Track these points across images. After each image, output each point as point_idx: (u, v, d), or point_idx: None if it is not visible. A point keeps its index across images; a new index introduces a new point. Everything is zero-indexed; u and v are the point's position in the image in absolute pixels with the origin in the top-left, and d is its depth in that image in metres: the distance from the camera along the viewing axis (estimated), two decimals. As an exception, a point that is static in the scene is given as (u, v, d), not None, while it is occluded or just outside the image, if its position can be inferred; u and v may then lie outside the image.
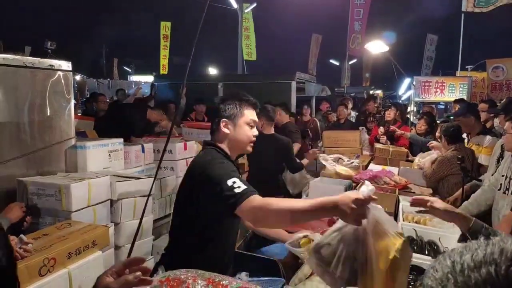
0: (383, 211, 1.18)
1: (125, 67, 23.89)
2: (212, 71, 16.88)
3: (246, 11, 11.09)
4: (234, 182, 1.32)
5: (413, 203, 1.26)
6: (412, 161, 3.96)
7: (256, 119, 1.61)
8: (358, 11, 9.50)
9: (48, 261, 1.61)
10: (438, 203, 1.24)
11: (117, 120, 4.23)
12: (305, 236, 1.66)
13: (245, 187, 1.31)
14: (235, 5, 10.75)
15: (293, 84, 6.25)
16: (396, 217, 2.41)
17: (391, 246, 1.09)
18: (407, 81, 13.96)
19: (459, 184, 2.89)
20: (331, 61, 21.31)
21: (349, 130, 5.15)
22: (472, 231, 1.16)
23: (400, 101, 15.83)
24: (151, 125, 4.36)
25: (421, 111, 7.70)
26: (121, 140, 2.92)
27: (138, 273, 0.85)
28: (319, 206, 1.17)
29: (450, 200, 2.91)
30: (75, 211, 2.11)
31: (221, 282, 1.05)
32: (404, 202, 2.57)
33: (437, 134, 3.90)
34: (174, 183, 3.46)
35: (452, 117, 4.61)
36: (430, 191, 3.17)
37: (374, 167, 3.82)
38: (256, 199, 1.28)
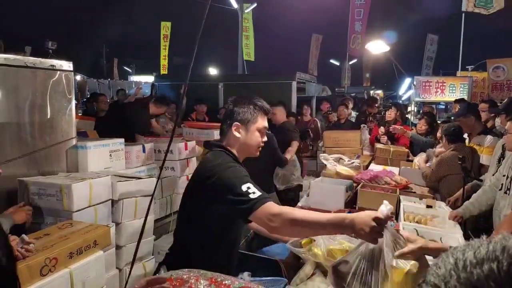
0: (394, 229, 1.24)
1: (125, 67, 23.90)
2: (213, 71, 16.89)
3: (246, 11, 11.10)
4: (248, 188, 1.32)
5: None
6: (412, 161, 3.96)
7: (267, 126, 1.61)
8: (358, 11, 9.49)
9: (49, 261, 1.61)
10: (412, 246, 1.20)
11: (119, 119, 4.18)
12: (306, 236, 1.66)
13: (259, 193, 1.31)
14: (235, 5, 10.76)
15: (294, 84, 6.24)
16: (397, 217, 2.42)
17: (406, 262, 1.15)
18: (407, 81, 13.96)
19: (459, 184, 2.88)
20: (332, 61, 21.31)
21: (349, 130, 5.14)
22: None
23: (401, 101, 15.83)
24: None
25: (421, 111, 7.70)
26: (122, 140, 2.92)
27: None
28: (337, 222, 1.20)
29: (451, 200, 2.90)
30: (76, 211, 2.12)
31: (224, 282, 1.05)
32: (405, 202, 2.57)
33: (438, 134, 3.90)
34: (175, 183, 3.46)
35: (452, 118, 4.61)
36: (431, 191, 3.17)
37: (374, 167, 3.82)
38: (273, 206, 1.29)
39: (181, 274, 1.09)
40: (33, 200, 2.17)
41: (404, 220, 2.22)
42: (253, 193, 1.30)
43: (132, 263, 1.86)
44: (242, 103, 1.56)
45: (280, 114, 4.20)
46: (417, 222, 2.23)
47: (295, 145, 4.00)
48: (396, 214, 2.47)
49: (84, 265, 1.79)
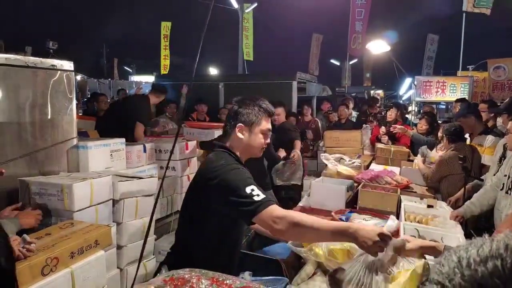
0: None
1: (125, 67, 23.91)
2: (213, 71, 16.90)
3: (246, 11, 11.10)
4: (252, 190, 1.32)
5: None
6: (413, 161, 3.96)
7: (270, 128, 1.60)
8: (359, 11, 9.48)
9: (51, 260, 1.61)
10: (408, 246, 1.22)
11: (119, 111, 4.08)
12: None
13: (263, 195, 1.32)
14: (235, 5, 10.75)
15: (294, 84, 6.24)
16: (398, 217, 2.41)
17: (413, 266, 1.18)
18: (408, 81, 13.94)
19: (460, 184, 2.88)
20: (332, 61, 21.31)
21: (350, 130, 5.14)
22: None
23: (401, 101, 15.82)
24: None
25: (421, 110, 7.70)
26: (123, 140, 2.92)
27: None
28: (341, 230, 1.22)
29: (452, 200, 2.90)
30: (77, 211, 2.12)
31: (225, 282, 1.05)
32: (406, 202, 2.57)
33: (439, 134, 3.90)
34: (176, 183, 3.46)
35: (453, 118, 4.61)
36: (432, 191, 3.17)
37: (375, 167, 3.82)
38: (278, 209, 1.30)
39: (182, 274, 1.09)
40: (34, 200, 2.17)
41: (405, 220, 2.22)
42: (257, 195, 1.31)
43: (139, 262, 1.87)
44: (247, 104, 1.54)
45: (282, 115, 4.21)
46: (418, 222, 2.23)
47: (298, 144, 4.04)
48: (397, 214, 2.47)
49: (85, 264, 1.79)
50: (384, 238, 1.17)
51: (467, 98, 6.21)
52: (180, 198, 3.50)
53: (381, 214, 2.41)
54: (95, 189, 2.23)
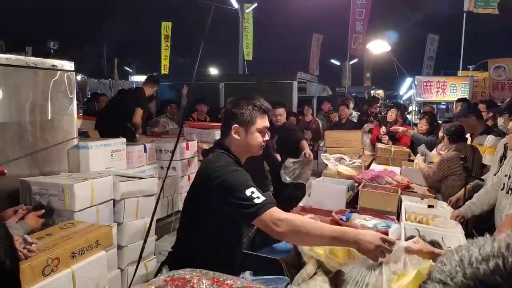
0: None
1: (126, 67, 23.92)
2: (213, 71, 16.89)
3: (247, 11, 11.09)
4: (252, 192, 1.33)
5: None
6: (413, 161, 3.96)
7: (268, 125, 1.59)
8: (360, 11, 9.47)
9: (51, 261, 1.61)
10: (414, 247, 1.23)
11: (117, 104, 4.27)
12: None
13: (264, 198, 1.32)
14: (236, 5, 10.75)
15: (295, 84, 6.24)
16: (398, 217, 2.41)
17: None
18: (408, 80, 13.93)
19: (461, 184, 2.88)
20: (332, 61, 21.30)
21: (351, 130, 5.14)
22: None
23: (401, 101, 15.81)
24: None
25: (421, 110, 7.70)
26: (123, 140, 2.93)
27: None
28: (342, 235, 1.25)
29: (452, 200, 2.90)
30: (78, 211, 2.12)
31: (226, 282, 1.05)
32: (407, 202, 2.56)
33: (440, 134, 3.89)
34: (176, 183, 3.47)
35: (453, 118, 4.61)
36: (433, 190, 3.16)
37: (376, 167, 3.81)
38: (278, 212, 1.31)
39: (183, 274, 1.09)
40: (35, 200, 2.17)
41: (406, 220, 2.22)
42: (257, 197, 1.31)
43: (138, 262, 1.87)
44: (240, 104, 1.53)
45: (283, 115, 4.20)
46: (418, 222, 2.22)
47: (305, 143, 4.02)
48: (397, 214, 2.47)
49: (86, 265, 1.79)
50: (388, 244, 1.18)
51: (467, 98, 6.20)
52: (181, 198, 3.50)
53: (382, 214, 2.41)
54: (96, 189, 2.23)
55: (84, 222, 2.02)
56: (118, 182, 2.39)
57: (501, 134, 3.38)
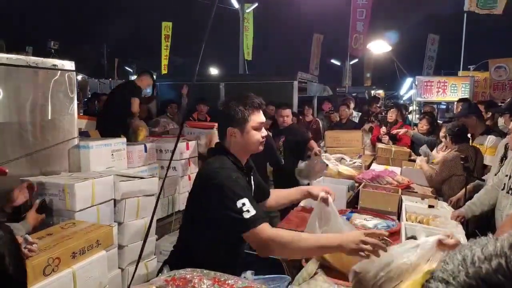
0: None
1: (126, 67, 23.91)
2: (214, 71, 16.89)
3: (247, 11, 11.09)
4: (243, 204, 1.33)
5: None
6: (414, 161, 3.95)
7: (263, 120, 1.57)
8: (360, 11, 9.47)
9: (52, 260, 1.61)
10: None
11: (116, 98, 4.48)
12: None
13: (254, 212, 1.33)
14: (236, 5, 10.75)
15: (295, 84, 6.24)
16: (399, 217, 2.41)
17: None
18: (408, 81, 13.92)
19: (462, 184, 2.88)
20: (332, 61, 21.29)
21: (351, 130, 5.14)
22: None
23: (401, 101, 15.80)
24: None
25: (422, 110, 7.70)
26: (124, 140, 2.93)
27: None
28: (326, 244, 1.32)
29: (453, 200, 2.90)
30: (78, 211, 2.12)
31: (227, 282, 1.05)
32: (407, 202, 2.56)
33: (441, 134, 3.88)
34: (177, 183, 3.46)
35: (453, 118, 4.61)
36: (433, 191, 3.16)
37: (376, 167, 3.81)
38: (267, 230, 1.32)
39: (184, 274, 1.09)
40: (36, 200, 2.17)
41: (406, 220, 2.22)
42: (247, 211, 1.32)
43: (138, 262, 1.87)
44: (231, 106, 1.52)
45: (290, 116, 4.13)
46: (419, 222, 2.23)
47: (313, 143, 4.03)
48: (398, 214, 2.47)
49: (86, 265, 1.79)
50: (372, 236, 1.25)
51: (468, 98, 6.20)
52: (181, 198, 3.50)
53: (382, 214, 2.41)
54: (97, 189, 2.23)
55: (84, 222, 2.02)
56: (118, 182, 2.39)
57: (501, 134, 3.38)
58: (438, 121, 5.97)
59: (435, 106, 7.88)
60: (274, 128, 4.26)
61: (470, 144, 3.43)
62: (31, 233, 1.79)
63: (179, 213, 3.47)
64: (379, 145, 4.60)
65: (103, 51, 22.65)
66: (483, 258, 0.47)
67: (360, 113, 7.12)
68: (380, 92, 17.89)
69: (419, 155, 3.94)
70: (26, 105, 2.33)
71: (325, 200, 1.63)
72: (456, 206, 2.75)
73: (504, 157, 2.63)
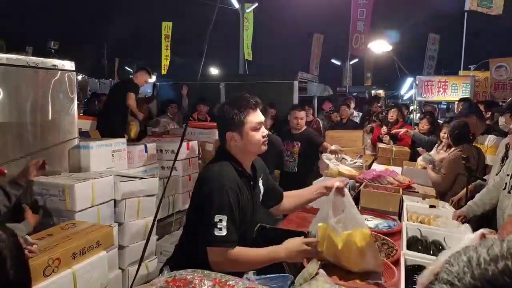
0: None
1: (126, 67, 23.90)
2: (214, 71, 16.90)
3: (247, 11, 11.08)
4: (220, 221, 1.35)
5: None
6: (415, 160, 3.95)
7: (262, 119, 1.54)
8: (361, 11, 9.45)
9: (52, 261, 1.61)
10: None
11: (115, 94, 4.58)
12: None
13: (225, 232, 1.35)
14: (236, 5, 10.75)
15: (296, 84, 6.23)
16: (400, 217, 2.40)
17: None
18: (409, 80, 13.92)
19: (463, 184, 2.87)
20: (333, 60, 21.28)
21: (352, 130, 5.14)
22: None
23: (401, 101, 15.79)
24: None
25: (423, 110, 7.69)
26: (124, 140, 2.93)
27: None
28: (273, 257, 1.43)
29: (454, 200, 2.89)
30: (79, 211, 2.12)
31: (228, 283, 1.05)
32: (408, 202, 2.56)
33: (442, 134, 3.87)
34: (177, 183, 3.46)
35: (453, 118, 4.59)
36: (434, 191, 3.15)
37: (377, 167, 3.80)
38: (230, 254, 1.37)
39: (184, 275, 1.08)
40: (37, 200, 2.17)
41: (408, 220, 2.21)
42: (220, 229, 1.35)
43: (140, 262, 1.86)
44: (226, 110, 1.49)
45: (304, 119, 3.86)
46: (420, 222, 2.22)
47: (327, 144, 3.78)
48: (399, 214, 2.46)
49: (87, 265, 1.78)
50: (311, 245, 1.40)
51: (469, 98, 6.19)
52: (181, 198, 3.50)
53: (383, 214, 2.41)
54: (97, 189, 2.23)
55: (85, 222, 2.01)
56: (119, 182, 2.38)
57: (502, 133, 3.37)
58: (439, 120, 5.96)
59: (435, 105, 7.87)
60: (286, 132, 3.94)
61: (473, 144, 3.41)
62: (31, 233, 1.79)
63: (179, 213, 3.47)
64: (380, 145, 4.60)
65: (103, 51, 22.66)
66: (489, 259, 0.47)
67: (360, 113, 7.11)
68: (381, 92, 17.86)
69: (420, 155, 3.92)
70: (26, 105, 2.33)
71: (339, 190, 1.62)
72: (457, 206, 2.74)
73: (505, 157, 2.62)
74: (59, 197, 2.11)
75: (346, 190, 1.63)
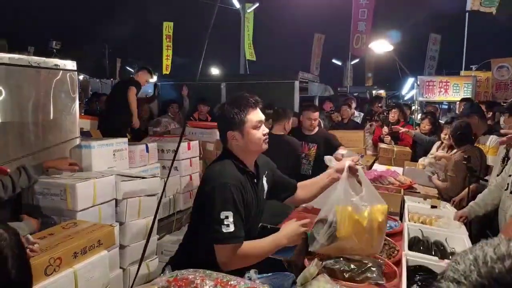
0: None
1: (127, 67, 23.93)
2: (215, 71, 16.90)
3: (248, 11, 11.08)
4: (226, 217, 1.35)
5: None
6: (417, 161, 3.94)
7: (262, 118, 1.55)
8: (363, 11, 9.44)
9: (54, 260, 1.61)
10: None
11: (116, 92, 4.60)
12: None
13: (233, 228, 1.35)
14: (237, 5, 10.74)
15: (296, 84, 6.22)
16: (401, 217, 2.40)
17: None
18: (410, 80, 13.90)
19: (465, 185, 2.86)
20: (334, 60, 21.27)
21: (353, 130, 5.13)
22: None
23: (402, 101, 15.76)
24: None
25: (424, 110, 7.69)
26: (126, 139, 2.93)
27: None
28: (277, 244, 1.48)
29: (456, 200, 2.88)
30: (80, 211, 2.12)
31: (229, 282, 1.05)
32: (410, 202, 2.55)
33: (442, 135, 3.85)
34: (178, 182, 3.46)
35: (454, 118, 4.58)
36: (436, 191, 3.14)
37: (378, 167, 3.80)
38: (240, 250, 1.38)
39: (186, 274, 1.08)
40: (38, 199, 2.18)
41: (409, 221, 2.21)
42: (227, 225, 1.35)
43: (140, 261, 1.86)
44: (226, 110, 1.50)
45: (317, 121, 3.71)
46: (422, 222, 2.21)
47: (342, 147, 3.63)
48: (400, 215, 2.46)
49: (88, 264, 1.78)
50: (304, 225, 1.49)
51: (471, 98, 6.18)
52: (182, 198, 3.50)
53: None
54: (98, 189, 2.23)
55: (86, 222, 2.01)
56: (120, 182, 2.39)
57: (504, 134, 3.35)
58: (440, 121, 5.95)
59: (437, 106, 7.86)
60: (299, 133, 3.77)
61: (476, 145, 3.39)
62: (31, 232, 1.79)
63: (180, 213, 3.47)
64: (381, 145, 4.59)
65: (105, 51, 22.68)
66: (496, 258, 0.47)
67: (361, 113, 7.10)
68: (382, 92, 17.84)
69: (421, 155, 3.91)
70: (28, 105, 2.33)
71: (352, 170, 1.62)
72: (459, 206, 2.73)
73: (505, 157, 2.61)
74: (60, 197, 2.12)
75: (359, 167, 1.62)
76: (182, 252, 1.57)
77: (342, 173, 1.63)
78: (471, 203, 2.49)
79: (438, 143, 4.01)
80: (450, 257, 1.71)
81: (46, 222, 2.11)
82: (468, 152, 3.01)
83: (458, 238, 1.93)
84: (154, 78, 6.67)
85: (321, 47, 14.33)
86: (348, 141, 4.61)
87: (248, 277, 1.19)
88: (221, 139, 1.59)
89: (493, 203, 2.39)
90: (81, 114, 5.16)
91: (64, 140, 2.51)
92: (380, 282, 1.49)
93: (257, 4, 10.96)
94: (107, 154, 2.70)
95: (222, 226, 1.34)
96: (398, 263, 1.65)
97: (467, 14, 8.32)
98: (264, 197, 1.66)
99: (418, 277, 1.51)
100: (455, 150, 3.29)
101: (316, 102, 7.62)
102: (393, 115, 5.25)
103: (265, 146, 1.56)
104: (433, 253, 1.79)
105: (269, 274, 1.40)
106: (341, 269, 1.55)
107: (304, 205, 2.78)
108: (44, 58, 2.42)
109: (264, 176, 1.65)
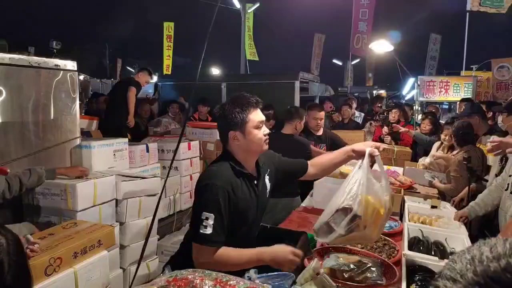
0: None
1: (128, 67, 23.95)
2: (215, 71, 16.92)
3: (249, 11, 11.09)
4: (206, 219, 1.37)
5: None
6: (417, 161, 3.94)
7: (263, 118, 1.54)
8: (363, 11, 9.43)
9: (54, 260, 1.61)
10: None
11: (117, 92, 4.66)
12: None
13: (210, 231, 1.36)
14: (238, 5, 10.75)
15: (297, 84, 6.22)
16: (401, 217, 2.40)
17: None
18: (411, 80, 13.89)
19: (464, 184, 2.86)
20: (334, 60, 21.27)
21: (353, 130, 5.13)
22: None
23: (403, 101, 15.76)
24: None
25: (425, 110, 7.68)
26: (126, 139, 2.93)
27: None
28: (260, 258, 1.43)
29: (456, 200, 2.88)
30: (80, 211, 2.12)
31: (229, 283, 1.05)
32: (410, 203, 2.55)
33: (443, 136, 3.85)
34: (178, 183, 3.46)
35: (455, 118, 4.58)
36: (436, 191, 3.14)
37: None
38: (215, 255, 1.38)
39: (185, 274, 1.08)
40: (38, 199, 2.18)
41: (409, 221, 2.21)
42: (205, 227, 1.36)
43: (139, 261, 1.86)
44: (227, 110, 1.49)
45: (323, 120, 3.66)
46: (422, 222, 2.21)
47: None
48: (400, 215, 2.46)
49: (88, 264, 1.79)
50: (298, 255, 1.41)
51: (471, 98, 6.17)
52: (182, 198, 3.50)
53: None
54: (98, 189, 2.23)
55: (86, 222, 2.02)
56: (120, 182, 2.39)
57: (504, 134, 3.35)
58: (440, 121, 5.95)
59: (438, 106, 7.86)
60: (307, 133, 3.66)
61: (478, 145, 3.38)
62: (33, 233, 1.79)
63: (180, 213, 3.48)
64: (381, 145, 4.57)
65: (105, 51, 22.71)
66: (492, 257, 0.47)
67: (362, 113, 7.10)
68: (382, 92, 17.84)
69: (421, 155, 3.90)
70: (29, 105, 2.34)
71: (372, 157, 1.58)
72: (459, 206, 2.73)
73: (503, 157, 2.61)
74: (60, 197, 2.12)
75: (379, 156, 1.59)
76: (182, 252, 1.58)
77: (358, 154, 1.62)
78: (471, 203, 2.49)
79: (437, 143, 4.00)
80: (450, 257, 1.71)
81: (47, 223, 2.12)
82: (470, 153, 3.01)
83: (458, 238, 1.93)
84: (154, 79, 6.68)
85: (322, 47, 14.32)
86: (348, 141, 4.59)
87: (248, 277, 1.19)
88: (221, 139, 1.58)
89: (493, 203, 2.39)
90: (82, 114, 5.17)
91: (64, 140, 2.51)
92: (380, 282, 1.49)
93: (257, 4, 10.96)
94: (108, 154, 2.70)
95: (200, 226, 1.36)
96: (398, 263, 1.65)
97: (467, 14, 8.31)
98: (267, 196, 1.66)
99: (417, 277, 1.51)
100: (456, 151, 3.29)
101: (317, 102, 7.61)
102: (394, 116, 5.25)
103: (265, 147, 1.55)
104: (433, 253, 1.79)
105: (269, 274, 1.40)
106: (341, 269, 1.55)
107: (304, 205, 2.79)
108: (44, 58, 2.43)
109: (266, 175, 1.64)
